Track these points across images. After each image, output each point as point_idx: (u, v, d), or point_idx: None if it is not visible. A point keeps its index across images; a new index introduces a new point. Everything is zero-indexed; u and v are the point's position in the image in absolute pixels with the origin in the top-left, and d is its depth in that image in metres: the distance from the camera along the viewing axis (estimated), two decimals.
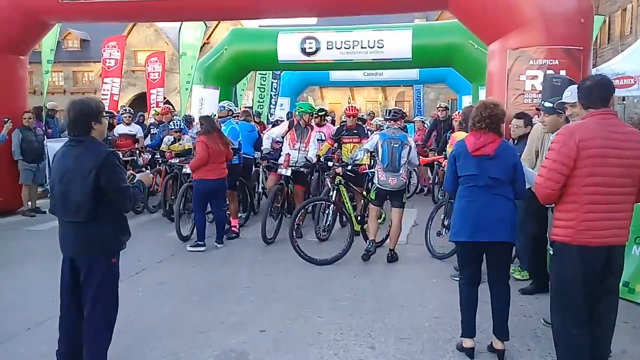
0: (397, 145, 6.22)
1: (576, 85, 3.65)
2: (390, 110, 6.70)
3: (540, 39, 6.97)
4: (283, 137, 8.03)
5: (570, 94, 4.05)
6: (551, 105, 4.75)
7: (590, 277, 3.09)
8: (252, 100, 20.58)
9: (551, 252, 3.43)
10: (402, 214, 6.46)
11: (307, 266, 6.27)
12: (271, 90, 19.23)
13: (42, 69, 11.08)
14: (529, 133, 5.39)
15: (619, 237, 3.12)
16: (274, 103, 18.77)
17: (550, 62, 6.96)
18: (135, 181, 3.57)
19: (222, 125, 7.53)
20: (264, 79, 19.77)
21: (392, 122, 6.48)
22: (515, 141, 5.65)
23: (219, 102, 13.73)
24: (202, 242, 6.95)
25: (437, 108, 11.29)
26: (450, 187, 4.03)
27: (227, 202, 7.53)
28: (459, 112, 8.48)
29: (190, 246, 6.94)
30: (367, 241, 6.52)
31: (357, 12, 8.80)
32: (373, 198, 6.47)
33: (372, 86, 29.52)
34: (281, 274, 6.02)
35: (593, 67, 8.35)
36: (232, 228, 7.64)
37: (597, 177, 3.03)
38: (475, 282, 3.94)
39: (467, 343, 3.91)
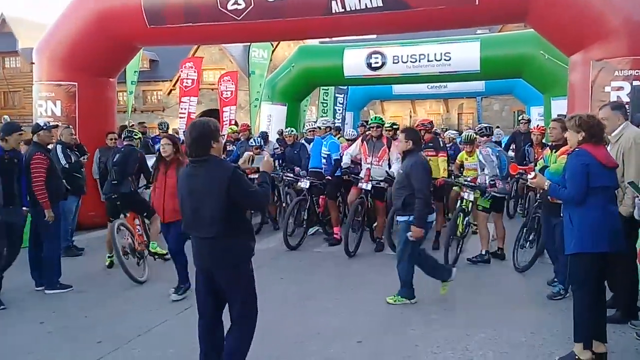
0: (506, 155, 6.95)
1: None
2: (486, 127, 7.30)
3: (625, 49, 6.87)
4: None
5: None
6: None
7: None
8: (316, 115, 20.91)
9: None
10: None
11: (391, 279, 6.35)
12: (335, 105, 19.46)
13: (125, 89, 11.71)
14: (412, 149, 5.39)
15: None
16: (339, 117, 18.95)
17: (637, 72, 6.85)
18: (260, 174, 3.70)
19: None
20: (327, 94, 20.03)
21: (486, 137, 7.12)
22: (402, 155, 5.62)
23: (284, 119, 14.13)
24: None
25: (520, 120, 11.08)
26: (580, 197, 3.88)
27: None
28: (538, 126, 8.38)
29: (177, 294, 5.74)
30: (483, 251, 6.99)
31: (433, 28, 8.91)
32: (487, 207, 6.89)
33: (434, 99, 29.29)
34: (367, 286, 6.14)
35: None
36: (335, 236, 8.12)
37: None
38: (602, 291, 4.04)
39: (585, 355, 3.91)
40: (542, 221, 5.98)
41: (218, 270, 3.49)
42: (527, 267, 6.37)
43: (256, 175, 8.37)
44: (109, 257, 7.01)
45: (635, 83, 6.70)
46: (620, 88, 6.90)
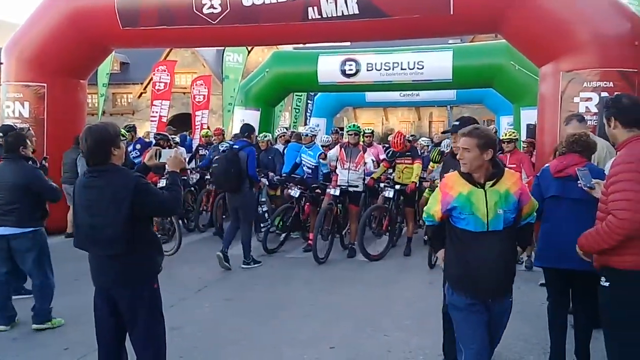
0: None
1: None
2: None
3: (594, 61, 7.02)
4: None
5: None
6: None
7: None
8: (289, 121, 20.91)
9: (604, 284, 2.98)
10: None
11: (366, 286, 6.40)
12: (307, 112, 19.56)
13: (97, 91, 11.51)
14: None
15: None
16: (308, 124, 19.04)
17: (605, 84, 6.99)
18: (169, 175, 3.38)
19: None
20: (300, 100, 20.09)
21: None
22: None
23: (258, 124, 14.10)
24: None
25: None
26: None
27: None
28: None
29: None
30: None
31: (408, 36, 8.98)
32: None
33: (406, 106, 29.63)
34: (340, 293, 6.14)
35: None
36: (310, 242, 7.82)
37: None
38: (563, 306, 3.96)
39: None
40: None
41: (119, 290, 3.14)
42: None
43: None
44: None
45: (603, 94, 6.87)
46: (588, 99, 7.05)
